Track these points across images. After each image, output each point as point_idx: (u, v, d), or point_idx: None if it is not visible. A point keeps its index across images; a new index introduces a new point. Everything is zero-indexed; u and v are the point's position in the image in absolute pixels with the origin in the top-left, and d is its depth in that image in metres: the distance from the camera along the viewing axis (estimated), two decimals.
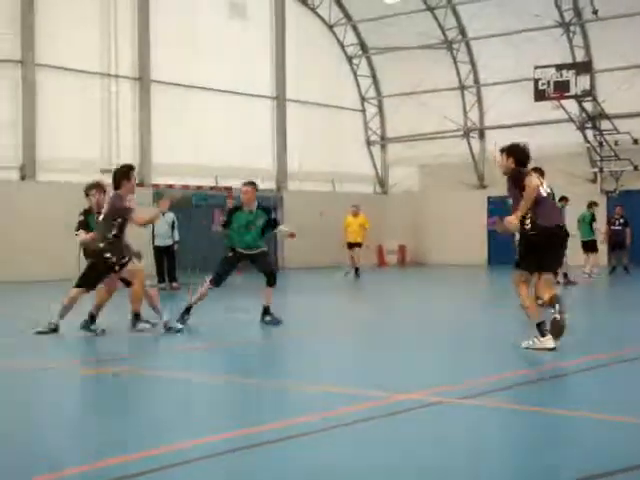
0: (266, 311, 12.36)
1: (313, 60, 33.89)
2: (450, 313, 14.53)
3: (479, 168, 33.99)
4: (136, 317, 11.49)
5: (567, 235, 10.18)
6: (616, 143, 30.11)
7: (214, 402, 7.24)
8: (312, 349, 10.09)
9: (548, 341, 9.25)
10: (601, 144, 30.60)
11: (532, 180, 9.49)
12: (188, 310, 12.11)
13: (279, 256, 31.25)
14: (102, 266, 11.07)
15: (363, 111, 36.45)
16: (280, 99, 32.34)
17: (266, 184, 30.78)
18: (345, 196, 31.34)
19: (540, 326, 9.35)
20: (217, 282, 12.22)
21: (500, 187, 36.14)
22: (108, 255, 10.96)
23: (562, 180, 30.78)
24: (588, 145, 30.91)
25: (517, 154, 9.72)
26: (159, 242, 20.57)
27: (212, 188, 28.85)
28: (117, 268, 11.02)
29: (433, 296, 18.71)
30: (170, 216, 20.55)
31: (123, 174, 11.21)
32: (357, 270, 24.77)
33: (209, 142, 29.09)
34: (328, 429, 5.80)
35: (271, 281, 12.41)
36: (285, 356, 9.86)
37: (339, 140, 34.82)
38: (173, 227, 20.68)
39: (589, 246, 23.46)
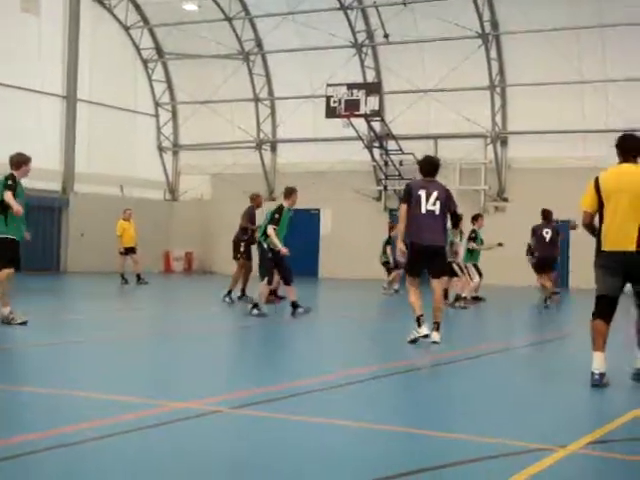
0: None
1: (108, 61, 33.29)
2: (230, 322, 14.56)
3: (270, 180, 34.40)
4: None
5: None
6: (401, 163, 31.25)
7: None
8: (85, 355, 9.84)
9: (422, 330, 10.79)
10: (387, 163, 31.70)
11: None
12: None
13: (62, 258, 30.40)
14: None
15: (156, 116, 36.10)
16: (70, 98, 31.46)
17: (51, 185, 29.95)
18: (134, 201, 30.84)
19: (418, 319, 10.80)
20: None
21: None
22: None
23: (350, 197, 31.66)
24: (374, 164, 31.94)
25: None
26: None
27: None
28: None
29: (213, 304, 18.71)
30: None
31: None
32: (139, 276, 24.02)
33: None
34: (86, 441, 5.65)
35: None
36: (55, 362, 9.54)
37: (131, 144, 34.33)
38: None
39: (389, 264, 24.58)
